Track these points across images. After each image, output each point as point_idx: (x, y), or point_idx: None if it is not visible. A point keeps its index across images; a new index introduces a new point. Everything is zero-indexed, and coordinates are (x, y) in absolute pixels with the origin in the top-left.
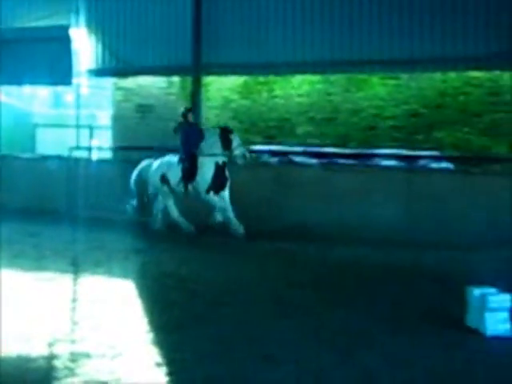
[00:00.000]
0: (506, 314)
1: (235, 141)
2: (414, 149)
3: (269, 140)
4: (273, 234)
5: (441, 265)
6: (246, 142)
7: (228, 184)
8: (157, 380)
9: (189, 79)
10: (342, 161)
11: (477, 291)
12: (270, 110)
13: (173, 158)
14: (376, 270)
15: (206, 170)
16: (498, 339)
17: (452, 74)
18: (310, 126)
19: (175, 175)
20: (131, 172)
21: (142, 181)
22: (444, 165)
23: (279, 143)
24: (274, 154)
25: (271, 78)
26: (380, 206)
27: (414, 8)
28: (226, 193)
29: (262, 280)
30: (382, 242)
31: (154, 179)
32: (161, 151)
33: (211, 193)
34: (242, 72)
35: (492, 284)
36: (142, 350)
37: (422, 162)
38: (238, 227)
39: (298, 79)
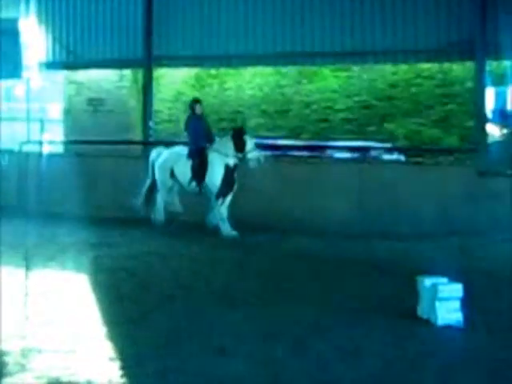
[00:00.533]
0: (457, 304)
1: (249, 143)
2: (366, 140)
3: (221, 133)
4: None
5: (393, 255)
6: None
7: (234, 188)
8: (110, 374)
9: (140, 72)
10: (294, 153)
11: (428, 281)
12: (222, 103)
13: (182, 151)
14: (329, 261)
15: (216, 171)
16: (449, 329)
17: (403, 66)
18: (263, 118)
19: (183, 171)
20: (83, 166)
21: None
22: (396, 156)
23: None
24: None
25: (223, 70)
26: (332, 198)
27: (366, 0)
28: (229, 198)
29: (214, 272)
30: (335, 234)
31: (162, 174)
32: (113, 145)
33: (220, 200)
34: (193, 64)
35: (443, 273)
36: (94, 345)
37: (373, 154)
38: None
39: (250, 72)
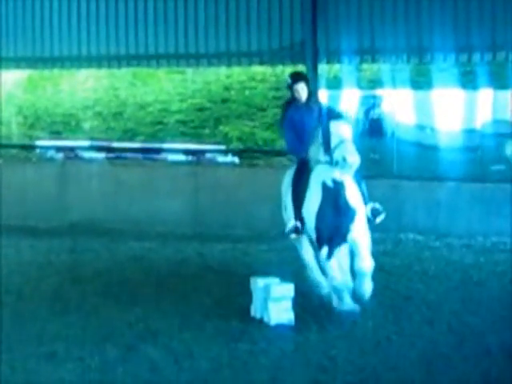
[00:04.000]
0: (289, 304)
1: (335, 135)
2: (200, 143)
3: (54, 136)
4: (59, 230)
5: (227, 257)
6: (32, 138)
7: (358, 217)
8: None
9: None
10: (129, 155)
11: (261, 281)
12: (55, 105)
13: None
14: (163, 264)
15: (311, 198)
16: (282, 328)
17: (237, 69)
18: (97, 120)
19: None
20: None
21: None
22: (230, 158)
23: (65, 138)
24: (59, 149)
25: (56, 72)
26: (167, 200)
27: (199, 3)
28: (354, 234)
29: (45, 277)
30: (170, 236)
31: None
32: None
33: (325, 250)
34: (25, 66)
35: (276, 274)
36: None
37: (208, 156)
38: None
39: (83, 74)
